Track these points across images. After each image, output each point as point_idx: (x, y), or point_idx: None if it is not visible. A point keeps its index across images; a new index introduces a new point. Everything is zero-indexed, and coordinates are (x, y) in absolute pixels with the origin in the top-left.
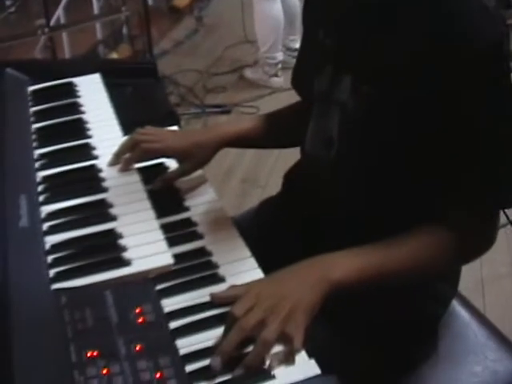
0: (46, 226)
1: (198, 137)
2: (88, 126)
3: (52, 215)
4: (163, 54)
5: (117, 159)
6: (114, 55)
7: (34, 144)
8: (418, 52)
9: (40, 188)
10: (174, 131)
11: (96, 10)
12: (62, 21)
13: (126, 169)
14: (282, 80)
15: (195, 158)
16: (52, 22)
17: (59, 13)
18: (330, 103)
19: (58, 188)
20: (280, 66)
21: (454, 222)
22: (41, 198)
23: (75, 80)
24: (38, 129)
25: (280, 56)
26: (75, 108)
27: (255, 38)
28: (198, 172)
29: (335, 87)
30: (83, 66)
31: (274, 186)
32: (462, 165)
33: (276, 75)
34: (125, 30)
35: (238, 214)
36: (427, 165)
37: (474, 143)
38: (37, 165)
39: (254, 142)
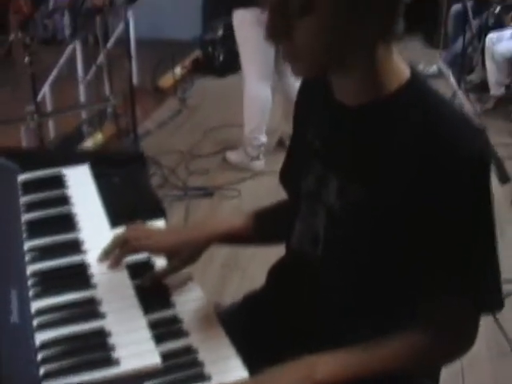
0: (35, 322)
1: (187, 235)
2: (77, 218)
3: (42, 312)
4: (147, 135)
5: (106, 256)
6: (99, 134)
7: (24, 235)
8: (406, 160)
9: (30, 282)
10: (163, 229)
11: (82, 90)
12: (48, 98)
13: (115, 266)
14: (264, 163)
15: (184, 255)
16: (38, 98)
17: (45, 90)
18: (316, 203)
19: (47, 283)
20: (263, 148)
21: (435, 323)
22: (31, 293)
23: (64, 171)
24: (28, 220)
25: (264, 138)
26: (64, 200)
27: (238, 121)
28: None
29: (322, 188)
30: (72, 156)
31: (254, 271)
32: (444, 268)
33: (258, 158)
34: (109, 109)
35: (222, 309)
36: (413, 264)
37: (455, 247)
38: (27, 257)
39: (242, 240)
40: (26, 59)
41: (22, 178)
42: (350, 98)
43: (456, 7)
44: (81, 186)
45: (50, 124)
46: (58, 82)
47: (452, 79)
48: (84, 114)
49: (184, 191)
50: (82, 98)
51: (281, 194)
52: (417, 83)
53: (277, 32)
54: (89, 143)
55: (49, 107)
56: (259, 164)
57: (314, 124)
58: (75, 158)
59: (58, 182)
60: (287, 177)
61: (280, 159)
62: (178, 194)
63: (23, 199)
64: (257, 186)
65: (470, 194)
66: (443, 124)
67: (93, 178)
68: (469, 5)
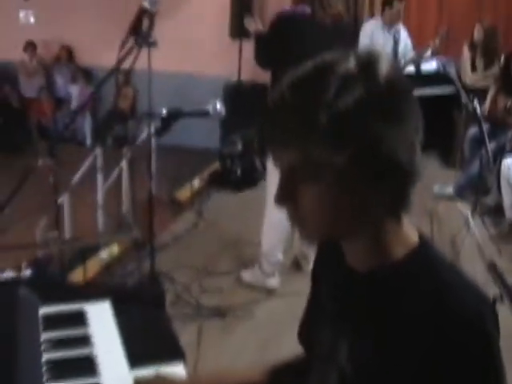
0: None
1: None
2: (97, 360)
3: None
4: (162, 248)
5: None
6: (115, 245)
7: (45, 377)
8: (414, 328)
9: None
10: (180, 380)
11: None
12: (66, 204)
13: None
14: (278, 282)
15: None
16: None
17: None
18: (329, 363)
19: None
20: (278, 266)
21: None
22: None
23: (86, 307)
24: (49, 360)
25: (280, 256)
26: (85, 340)
27: (254, 238)
28: None
29: (334, 349)
30: (93, 290)
31: None
32: None
33: (273, 275)
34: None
35: None
36: None
37: None
38: None
39: None
40: (50, 179)
41: (44, 311)
42: (358, 263)
43: (472, 130)
44: (101, 325)
45: (66, 229)
46: (78, 186)
47: (465, 209)
48: (101, 226)
49: (197, 311)
50: (101, 204)
51: (293, 319)
52: (425, 250)
53: (283, 195)
54: (104, 254)
55: (66, 213)
56: (274, 281)
57: (327, 285)
58: (97, 292)
59: (80, 319)
60: (304, 334)
61: (294, 280)
62: (191, 314)
63: (44, 336)
64: (270, 308)
65: (479, 364)
66: (452, 295)
67: (113, 316)
68: (485, 128)
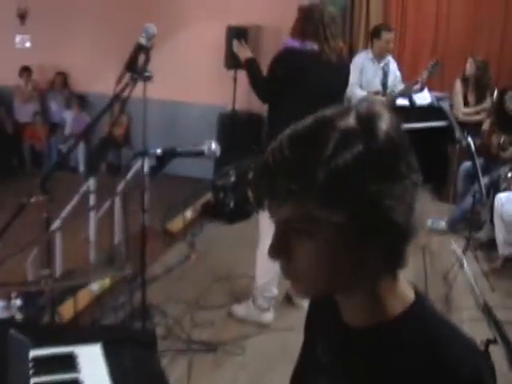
0: None
1: None
2: None
3: None
4: (154, 280)
5: None
6: (106, 280)
7: None
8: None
9: None
10: None
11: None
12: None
13: None
14: (272, 317)
15: None
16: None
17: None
18: None
19: None
20: (273, 301)
21: None
22: None
23: (76, 350)
24: None
25: (276, 290)
26: None
27: (246, 272)
28: None
29: None
30: (85, 333)
31: None
32: None
33: (268, 310)
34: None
35: None
36: None
37: None
38: None
39: None
40: (44, 215)
41: (34, 354)
42: (354, 319)
43: (466, 165)
44: (92, 368)
45: (57, 258)
46: (70, 218)
47: (457, 244)
48: (92, 251)
49: (187, 345)
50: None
51: (284, 354)
52: (420, 307)
53: (278, 249)
54: (95, 286)
55: (57, 247)
56: (269, 316)
57: (323, 339)
58: (88, 335)
59: (70, 363)
60: (298, 382)
61: (286, 315)
62: (182, 348)
63: (34, 380)
64: (261, 343)
65: None
66: (447, 350)
67: (104, 359)
68: (478, 163)
